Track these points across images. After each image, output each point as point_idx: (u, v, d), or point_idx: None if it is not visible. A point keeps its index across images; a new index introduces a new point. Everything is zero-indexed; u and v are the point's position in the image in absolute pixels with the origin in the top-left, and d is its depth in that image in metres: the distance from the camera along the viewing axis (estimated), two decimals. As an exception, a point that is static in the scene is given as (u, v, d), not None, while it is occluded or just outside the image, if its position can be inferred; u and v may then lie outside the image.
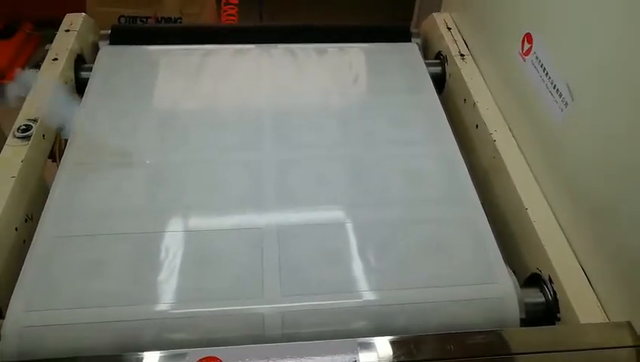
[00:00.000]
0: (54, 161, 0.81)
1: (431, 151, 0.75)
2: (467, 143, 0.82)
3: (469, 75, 0.86)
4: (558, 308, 0.58)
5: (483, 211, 0.67)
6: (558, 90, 0.64)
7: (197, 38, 0.93)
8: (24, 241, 0.65)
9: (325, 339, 0.51)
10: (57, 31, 0.91)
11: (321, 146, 0.75)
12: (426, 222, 0.65)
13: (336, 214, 0.66)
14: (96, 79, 0.84)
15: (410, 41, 0.97)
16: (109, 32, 0.93)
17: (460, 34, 0.94)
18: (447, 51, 0.92)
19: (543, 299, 0.60)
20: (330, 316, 0.57)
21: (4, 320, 0.54)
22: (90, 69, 0.87)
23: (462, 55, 0.90)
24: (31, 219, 0.67)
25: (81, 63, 0.90)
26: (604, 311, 0.56)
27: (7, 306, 0.55)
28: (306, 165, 0.72)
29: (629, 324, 0.52)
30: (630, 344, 0.50)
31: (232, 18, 1.92)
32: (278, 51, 0.92)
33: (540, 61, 0.68)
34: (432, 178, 0.70)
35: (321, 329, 0.56)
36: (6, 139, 0.72)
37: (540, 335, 0.53)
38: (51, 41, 0.89)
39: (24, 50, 2.13)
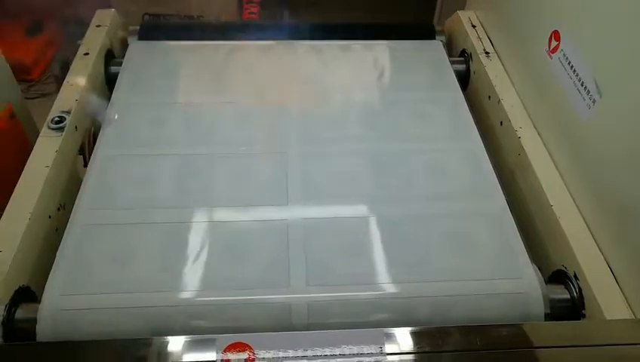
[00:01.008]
0: (81, 154, 0.82)
1: (455, 146, 0.75)
2: (492, 140, 0.82)
3: (494, 72, 0.86)
4: (584, 305, 0.58)
5: (507, 207, 0.67)
6: (585, 87, 0.64)
7: (224, 34, 0.95)
8: (57, 229, 0.67)
9: (350, 329, 0.52)
10: (82, 29, 0.93)
11: (346, 141, 0.76)
12: (451, 216, 0.66)
13: (360, 208, 0.67)
14: (126, 73, 0.86)
15: (434, 38, 0.97)
16: (138, 27, 0.95)
17: (485, 31, 0.94)
18: (472, 49, 0.92)
19: (568, 296, 0.60)
20: (355, 307, 0.57)
21: (41, 304, 0.56)
22: (119, 64, 0.89)
23: (487, 53, 0.90)
24: (63, 208, 0.69)
25: (111, 58, 0.92)
26: (631, 308, 0.56)
27: (43, 291, 0.57)
28: (331, 159, 0.73)
29: (656, 321, 0.52)
30: (657, 340, 0.50)
31: (254, 16, 1.95)
32: (303, 48, 0.93)
33: (567, 58, 0.68)
34: (456, 173, 0.71)
35: (345, 319, 0.57)
36: (37, 129, 0.74)
37: (565, 329, 0.53)
38: (81, 37, 0.92)
39: (50, 48, 2.17)
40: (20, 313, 0.56)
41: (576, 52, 0.66)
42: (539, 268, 0.62)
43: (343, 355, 0.49)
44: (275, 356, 0.48)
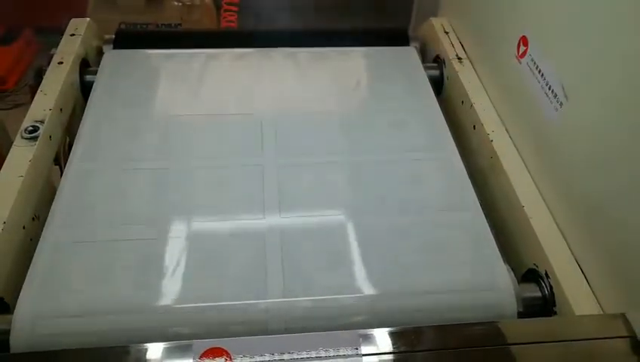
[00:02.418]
0: (57, 164, 0.82)
1: (430, 154, 0.76)
2: (465, 144, 0.83)
3: (467, 77, 0.88)
4: (555, 302, 0.60)
5: (482, 212, 0.68)
6: (552, 90, 0.66)
7: (200, 42, 0.95)
8: (31, 240, 0.66)
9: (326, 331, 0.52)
10: (57, 38, 0.93)
11: (322, 150, 0.76)
12: (426, 223, 0.66)
13: (337, 217, 0.67)
14: (101, 83, 0.85)
15: (408, 44, 0.99)
16: (114, 36, 0.95)
17: (458, 38, 0.96)
18: (445, 55, 0.94)
19: (539, 294, 0.62)
20: (331, 315, 0.58)
21: (14, 314, 0.55)
22: (94, 73, 0.88)
23: (459, 58, 0.92)
24: (38, 219, 0.69)
25: (86, 67, 0.91)
26: (599, 304, 0.57)
27: (16, 301, 0.56)
28: (308, 169, 0.73)
29: (623, 316, 0.53)
30: (624, 334, 0.52)
31: (232, 24, 1.95)
32: (279, 55, 0.94)
33: (535, 63, 0.70)
34: (431, 180, 0.72)
35: (321, 326, 0.57)
36: (10, 140, 0.73)
37: (537, 326, 0.54)
38: (55, 46, 0.91)
39: (24, 57, 2.15)
40: (-7, 324, 0.55)
41: (543, 56, 0.68)
42: (512, 268, 0.63)
43: (319, 358, 0.49)
44: (251, 360, 0.49)
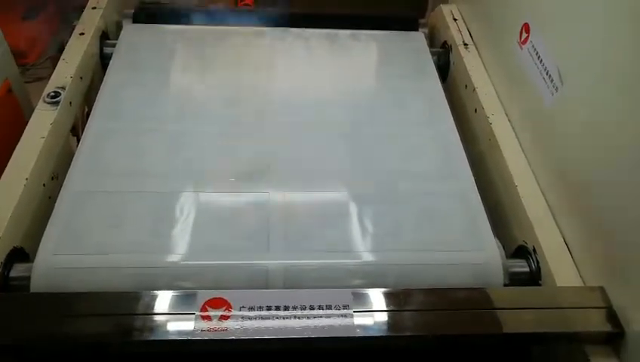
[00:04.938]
0: (75, 135, 0.86)
1: (430, 130, 0.79)
2: (467, 127, 0.86)
3: (471, 62, 0.90)
4: (540, 276, 0.63)
5: (475, 185, 0.71)
6: (550, 75, 0.69)
7: (216, 20, 0.98)
8: (50, 198, 0.70)
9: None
10: (80, 13, 0.96)
11: (327, 123, 0.80)
12: (422, 194, 0.70)
13: (338, 184, 0.71)
14: (119, 54, 0.89)
15: (417, 30, 1.01)
16: (133, 11, 0.98)
17: (466, 24, 0.98)
18: (452, 40, 0.96)
19: (526, 268, 0.65)
20: (328, 273, 0.62)
21: (34, 263, 0.59)
22: (113, 45, 0.92)
23: (465, 44, 0.94)
24: (57, 178, 0.73)
25: (106, 39, 0.95)
26: (582, 279, 0.60)
27: (35, 253, 0.61)
28: (312, 140, 0.77)
29: (602, 289, 0.57)
30: (602, 305, 0.55)
31: (249, 6, 1.98)
32: (291, 35, 0.97)
33: (535, 49, 0.73)
34: (429, 154, 0.75)
35: (319, 284, 0.61)
36: (32, 107, 0.77)
37: (518, 294, 0.57)
38: (78, 18, 0.95)
39: (46, 32, 2.20)
40: (14, 271, 0.60)
41: (543, 43, 0.71)
42: (503, 245, 0.66)
43: (313, 313, 0.53)
44: (249, 311, 0.53)
